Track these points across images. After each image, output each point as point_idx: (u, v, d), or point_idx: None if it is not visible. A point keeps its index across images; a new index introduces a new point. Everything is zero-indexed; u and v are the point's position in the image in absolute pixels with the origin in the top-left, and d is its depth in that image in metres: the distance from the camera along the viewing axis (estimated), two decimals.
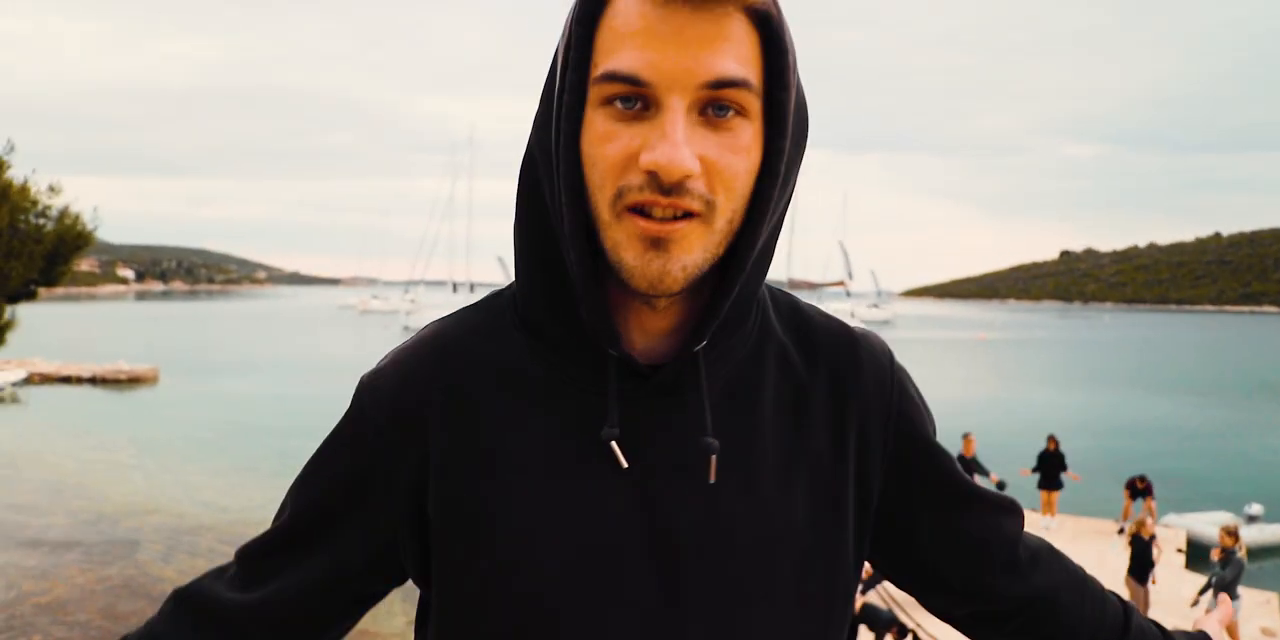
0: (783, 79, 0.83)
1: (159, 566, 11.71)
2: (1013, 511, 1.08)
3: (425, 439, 0.94)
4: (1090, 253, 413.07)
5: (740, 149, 0.82)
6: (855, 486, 0.97)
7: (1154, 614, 10.06)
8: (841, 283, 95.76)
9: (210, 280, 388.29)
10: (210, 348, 50.68)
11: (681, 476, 0.91)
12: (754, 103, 0.82)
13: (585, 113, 0.84)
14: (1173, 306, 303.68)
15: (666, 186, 0.80)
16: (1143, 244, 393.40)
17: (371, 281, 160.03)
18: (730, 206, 0.83)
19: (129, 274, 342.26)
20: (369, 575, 1.01)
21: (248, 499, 15.86)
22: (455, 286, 76.04)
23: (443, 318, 1.04)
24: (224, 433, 23.03)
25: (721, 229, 0.84)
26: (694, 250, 0.83)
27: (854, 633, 8.39)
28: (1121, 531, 14.19)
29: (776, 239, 0.93)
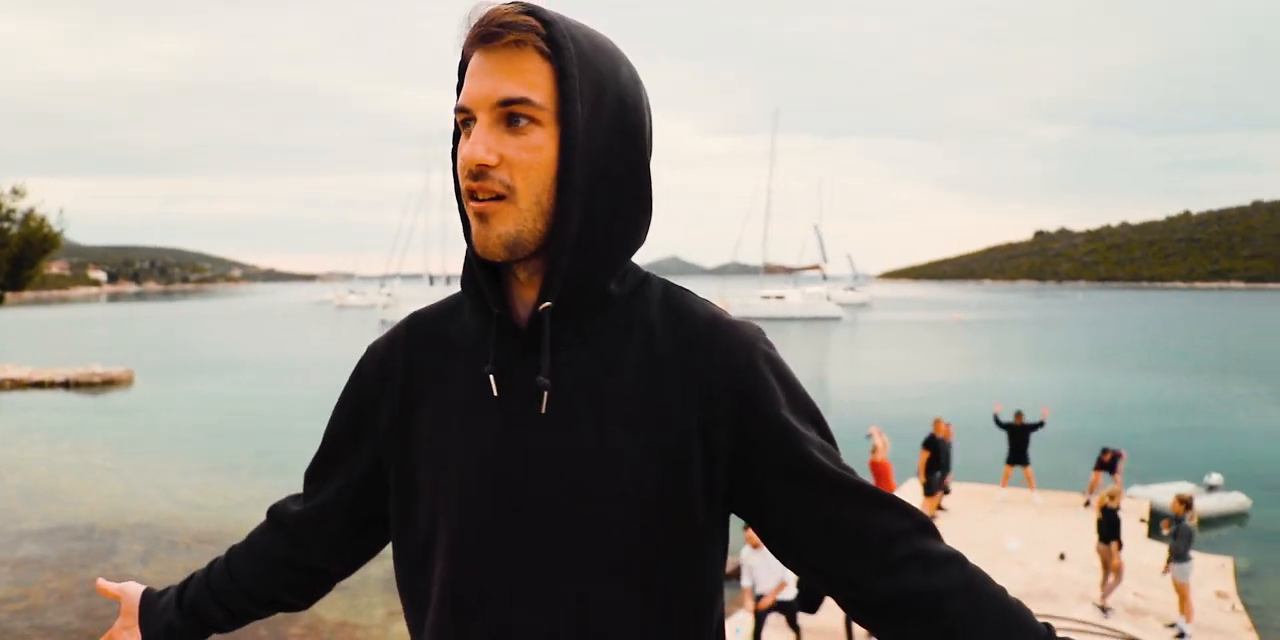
0: (568, 98, 1.11)
1: (137, 568, 11.74)
2: (892, 508, 1.16)
3: (394, 390, 1.29)
4: (1064, 233, 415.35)
5: (532, 148, 1.11)
6: (701, 447, 1.16)
7: (1123, 582, 10.35)
8: (817, 266, 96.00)
9: (184, 280, 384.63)
10: (185, 348, 50.38)
11: (530, 411, 1.17)
12: (542, 114, 1.11)
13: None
14: (1144, 284, 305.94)
15: (473, 173, 1.11)
16: (1115, 223, 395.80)
17: (348, 276, 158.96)
18: (532, 191, 1.12)
19: (101, 275, 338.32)
20: (374, 493, 1.34)
21: (225, 498, 15.88)
22: (432, 279, 75.78)
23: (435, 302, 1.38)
24: (201, 433, 22.95)
25: (530, 209, 1.13)
26: (507, 223, 1.13)
27: (820, 598, 8.52)
28: (1087, 504, 14.45)
29: (614, 228, 1.18)
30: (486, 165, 1.11)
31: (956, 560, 1.16)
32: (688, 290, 1.27)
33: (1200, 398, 30.20)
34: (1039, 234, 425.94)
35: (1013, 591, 1.19)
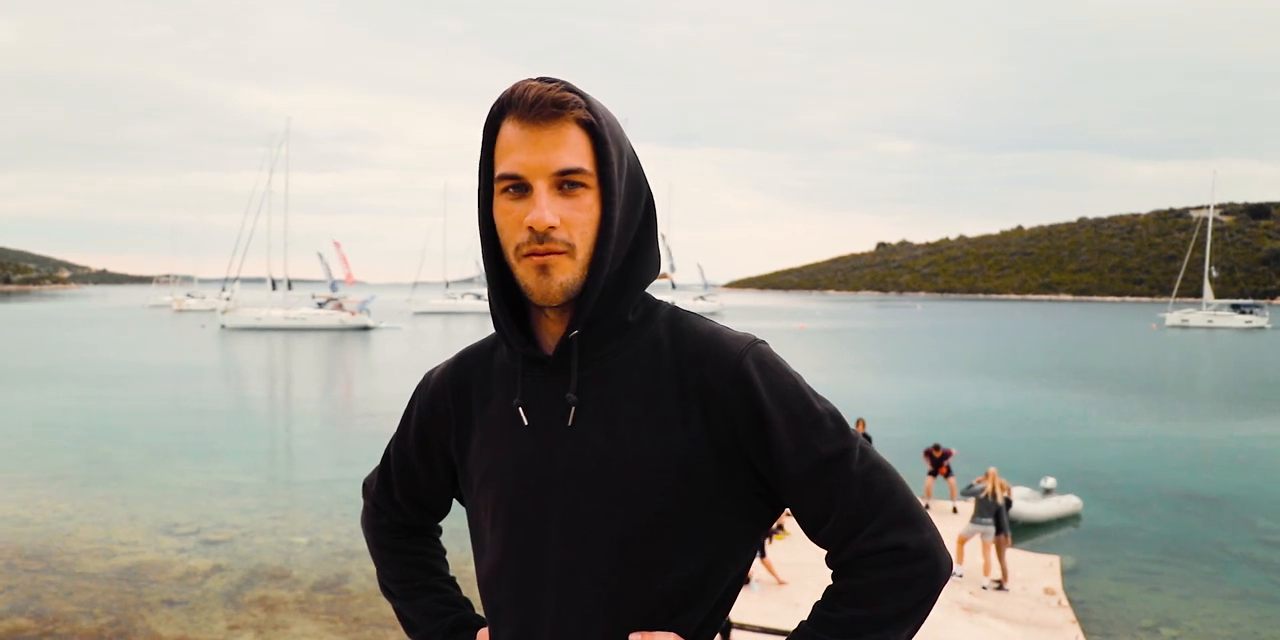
0: (607, 162, 1.34)
1: None
2: (842, 498, 1.37)
3: (448, 414, 1.56)
4: (905, 245, 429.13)
5: (584, 208, 1.33)
6: (710, 446, 1.37)
7: (962, 581, 10.79)
8: (666, 275, 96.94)
9: (6, 280, 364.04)
10: (7, 353, 47.66)
11: (559, 426, 1.41)
12: (590, 179, 1.33)
13: (495, 197, 1.37)
14: (980, 295, 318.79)
15: (540, 235, 1.31)
16: (953, 236, 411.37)
17: (186, 279, 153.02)
18: (585, 245, 1.34)
19: None
20: (443, 491, 1.65)
21: (54, 511, 15.10)
22: (274, 283, 73.26)
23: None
24: (25, 442, 21.76)
25: (582, 260, 1.34)
26: (566, 273, 1.33)
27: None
28: (955, 510, 15.17)
29: (635, 267, 1.42)
30: (554, 227, 1.31)
31: (891, 558, 1.34)
32: (692, 312, 1.49)
33: (1035, 405, 31.61)
34: (881, 245, 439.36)
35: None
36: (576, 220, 1.33)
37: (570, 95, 1.32)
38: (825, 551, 1.41)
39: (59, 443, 21.82)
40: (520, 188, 1.33)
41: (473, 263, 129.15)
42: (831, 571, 1.40)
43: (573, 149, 1.32)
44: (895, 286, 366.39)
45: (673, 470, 1.36)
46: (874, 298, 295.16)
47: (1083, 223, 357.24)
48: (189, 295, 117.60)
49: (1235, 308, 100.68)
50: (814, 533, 1.41)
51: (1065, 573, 12.59)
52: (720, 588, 1.43)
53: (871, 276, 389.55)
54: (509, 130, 1.34)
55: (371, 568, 9.28)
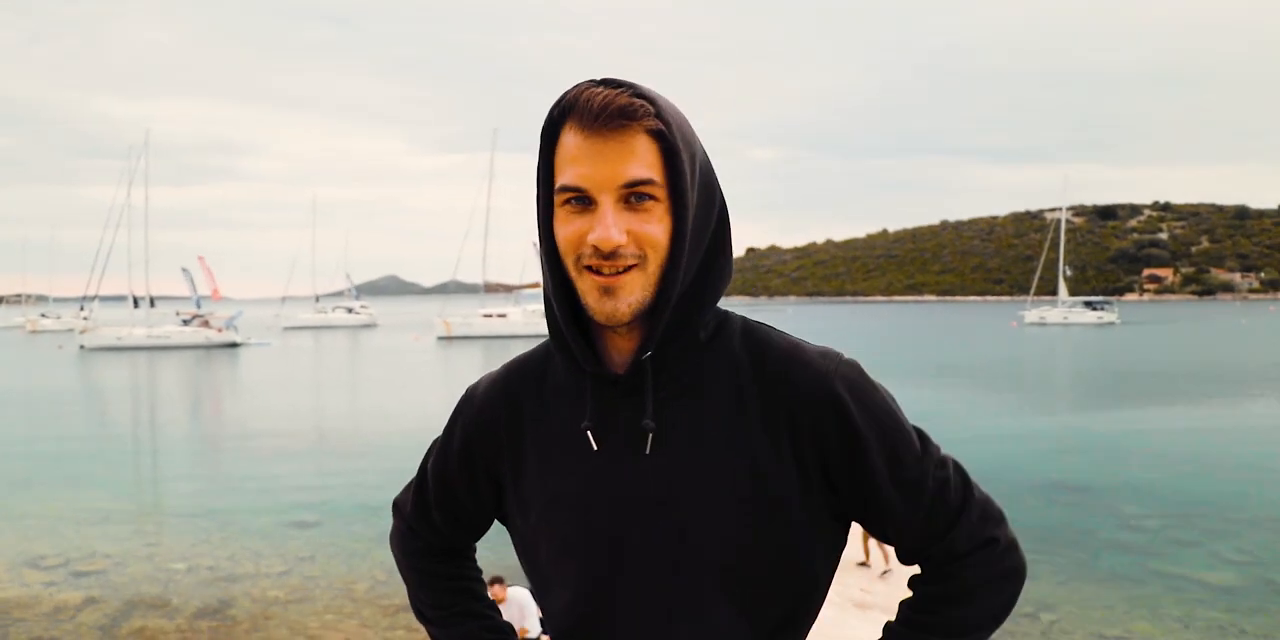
0: (678, 172, 1.24)
1: None
2: (938, 521, 1.36)
3: (499, 434, 1.45)
4: (774, 249, 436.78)
5: (654, 221, 1.24)
6: (795, 469, 1.31)
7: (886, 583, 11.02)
8: (537, 284, 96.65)
9: None
10: None
11: (633, 452, 1.32)
12: (659, 190, 1.23)
13: (555, 209, 1.28)
14: (849, 298, 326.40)
15: (606, 254, 1.22)
16: (820, 240, 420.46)
17: (40, 299, 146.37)
18: (656, 258, 1.25)
19: None
20: (495, 506, 1.53)
21: None
22: (136, 301, 70.40)
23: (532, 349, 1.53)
24: None
25: (654, 273, 1.26)
26: (635, 292, 1.25)
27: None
28: None
29: (709, 280, 1.33)
30: (621, 245, 1.22)
31: (984, 578, 1.35)
32: (765, 324, 1.41)
33: (905, 402, 31.96)
34: (751, 250, 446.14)
35: None
36: (646, 234, 1.24)
37: (639, 102, 1.22)
38: (913, 558, 1.40)
39: None
40: (583, 201, 1.24)
41: (343, 277, 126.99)
42: (919, 575, 1.40)
43: (641, 159, 1.22)
44: (765, 291, 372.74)
45: (762, 497, 1.30)
46: (745, 302, 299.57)
47: (944, 225, 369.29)
48: (43, 315, 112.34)
49: (1088, 305, 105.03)
50: (901, 541, 1.38)
51: None
52: (810, 621, 1.40)
53: (741, 281, 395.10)
54: (570, 138, 1.24)
55: (255, 590, 9.03)
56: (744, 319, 1.42)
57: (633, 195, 1.23)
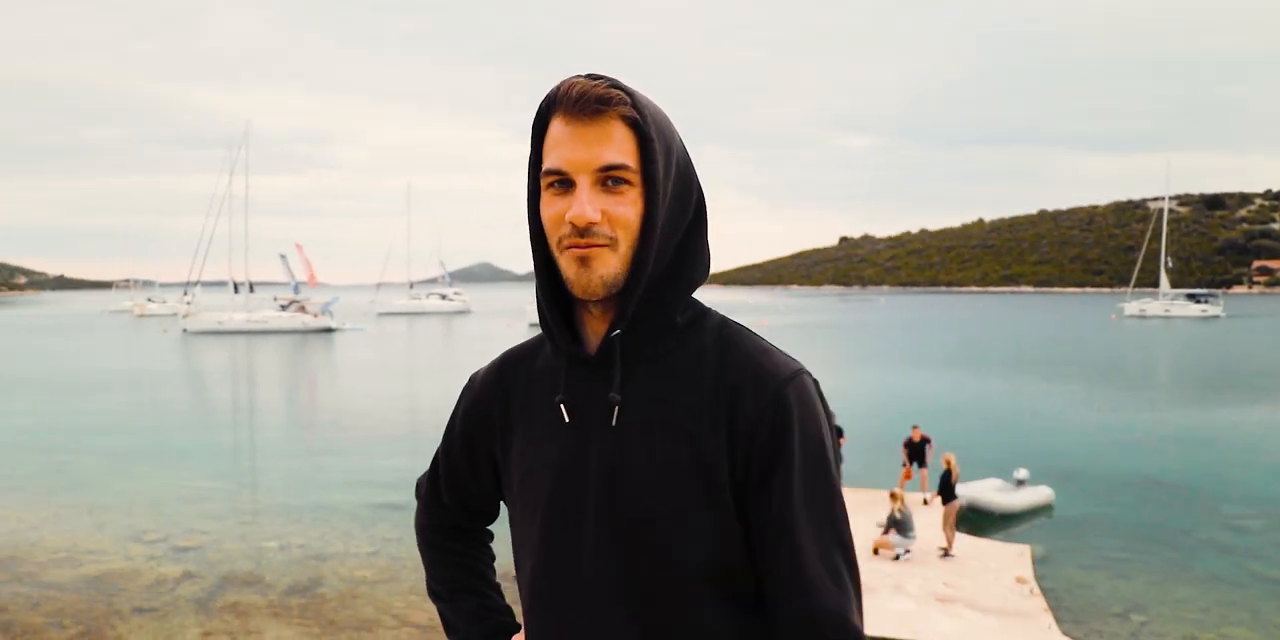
0: (651, 159, 1.34)
1: None
2: (819, 567, 1.35)
3: (492, 417, 1.57)
4: (867, 239, 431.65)
5: (627, 204, 1.34)
6: (727, 457, 1.36)
7: (917, 561, 10.90)
8: None
9: None
10: None
11: (601, 425, 1.41)
12: (633, 175, 1.34)
13: (541, 192, 1.38)
14: (943, 288, 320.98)
15: (581, 230, 1.32)
16: (915, 230, 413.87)
17: (147, 284, 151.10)
18: (628, 239, 1.35)
19: None
20: (490, 494, 1.65)
21: (17, 521, 14.88)
22: (236, 287, 72.51)
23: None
24: None
25: (624, 254, 1.35)
26: (608, 266, 1.34)
27: None
28: (926, 502, 15.29)
29: (682, 269, 1.42)
30: (594, 222, 1.31)
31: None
32: (742, 325, 1.49)
33: (1003, 396, 31.89)
34: (843, 240, 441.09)
35: None
36: (619, 216, 1.34)
37: (615, 92, 1.33)
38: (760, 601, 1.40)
39: (20, 452, 21.53)
40: (564, 183, 1.35)
41: (437, 264, 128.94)
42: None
43: (617, 145, 1.33)
44: (858, 280, 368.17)
45: (700, 477, 1.36)
46: (837, 292, 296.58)
47: (1043, 215, 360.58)
48: (150, 300, 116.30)
49: (1191, 297, 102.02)
50: (768, 573, 1.38)
51: (1036, 562, 12.70)
52: (750, 586, 1.39)
53: (834, 271, 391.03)
54: (556, 127, 1.35)
55: (344, 569, 9.27)
56: (724, 317, 1.50)
57: (609, 178, 1.33)
